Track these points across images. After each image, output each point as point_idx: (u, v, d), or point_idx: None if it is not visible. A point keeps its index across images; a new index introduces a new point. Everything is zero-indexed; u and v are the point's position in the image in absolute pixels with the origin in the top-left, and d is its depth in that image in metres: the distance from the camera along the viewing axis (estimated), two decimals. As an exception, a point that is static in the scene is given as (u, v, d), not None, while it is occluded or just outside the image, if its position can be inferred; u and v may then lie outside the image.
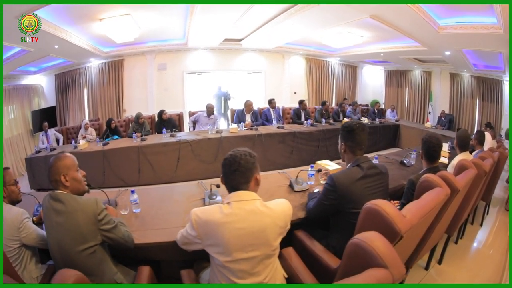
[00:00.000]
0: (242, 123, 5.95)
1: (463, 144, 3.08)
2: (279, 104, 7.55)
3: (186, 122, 7.03)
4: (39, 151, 5.27)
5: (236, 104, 8.04)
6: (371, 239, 1.08)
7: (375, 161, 3.22)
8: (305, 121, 6.32)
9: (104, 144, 5.06)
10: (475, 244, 3.42)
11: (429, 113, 9.48)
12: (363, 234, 1.13)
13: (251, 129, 5.75)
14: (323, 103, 7.01)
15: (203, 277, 1.65)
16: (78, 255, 1.42)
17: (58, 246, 1.44)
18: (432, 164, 2.37)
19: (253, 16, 5.75)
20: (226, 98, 8.64)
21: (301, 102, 6.73)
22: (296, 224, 2.05)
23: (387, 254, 1.02)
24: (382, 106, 10.20)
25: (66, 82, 7.76)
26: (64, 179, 1.53)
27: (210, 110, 6.18)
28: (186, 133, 5.78)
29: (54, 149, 5.32)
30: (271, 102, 6.63)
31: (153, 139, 5.30)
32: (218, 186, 2.36)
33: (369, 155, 4.16)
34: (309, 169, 2.85)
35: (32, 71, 7.04)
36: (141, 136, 5.47)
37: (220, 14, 5.52)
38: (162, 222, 2.11)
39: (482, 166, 2.65)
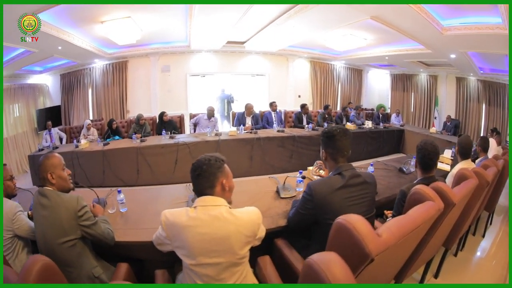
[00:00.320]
0: (242, 126, 5.85)
1: (465, 151, 2.88)
2: (284, 108, 7.50)
3: (187, 124, 6.96)
4: (42, 149, 5.29)
5: (240, 107, 7.92)
6: (327, 264, 0.97)
7: (370, 168, 3.15)
8: (307, 125, 6.19)
9: (104, 144, 5.06)
10: (475, 257, 3.20)
11: (435, 118, 9.21)
12: (320, 256, 1.02)
13: (251, 132, 5.65)
14: (326, 107, 6.85)
15: (178, 278, 1.63)
16: (59, 247, 1.52)
17: (43, 237, 1.54)
18: (427, 173, 2.19)
19: (253, 17, 5.64)
20: (229, 100, 8.56)
21: (303, 106, 6.59)
22: (277, 232, 2.00)
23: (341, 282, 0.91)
24: (388, 111, 9.98)
25: (71, 82, 7.83)
26: (50, 176, 1.64)
27: (210, 113, 6.12)
28: (185, 135, 5.73)
29: (57, 147, 5.34)
30: (272, 105, 6.51)
31: (153, 140, 5.28)
32: None
33: (369, 161, 4.11)
34: (298, 175, 2.72)
35: (38, 70, 7.12)
36: (141, 137, 5.44)
37: (219, 14, 5.42)
38: (145, 222, 2.11)
39: (485, 176, 2.46)
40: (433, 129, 7.36)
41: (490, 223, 3.82)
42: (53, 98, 7.81)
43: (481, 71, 7.55)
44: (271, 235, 1.91)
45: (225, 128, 8.15)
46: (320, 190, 1.64)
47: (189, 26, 6.10)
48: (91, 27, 5.41)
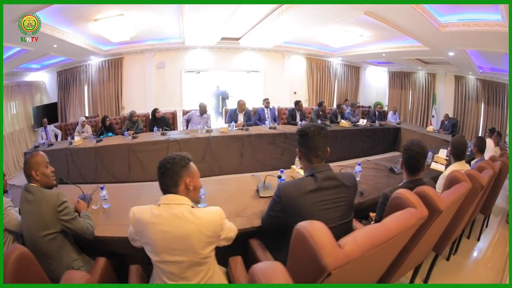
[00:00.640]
0: (233, 123, 5.71)
1: (459, 152, 2.65)
2: (279, 104, 7.32)
3: (180, 121, 6.84)
4: (38, 146, 5.27)
5: (234, 103, 7.68)
6: (268, 276, 0.89)
7: (357, 168, 2.92)
8: (299, 122, 6.00)
9: (97, 141, 5.02)
10: (469, 261, 3.02)
11: (433, 116, 8.97)
12: (264, 265, 0.96)
13: (242, 129, 5.53)
14: (320, 104, 6.62)
15: (153, 274, 1.56)
16: (41, 240, 1.58)
17: (28, 231, 1.61)
18: (413, 176, 1.97)
19: (244, 14, 5.57)
20: (224, 97, 8.46)
21: (297, 103, 6.39)
22: (252, 232, 1.94)
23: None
24: (385, 109, 9.75)
25: (67, 79, 7.76)
26: (35, 173, 1.71)
27: (202, 109, 5.98)
28: (176, 132, 5.67)
29: (52, 144, 5.29)
30: (264, 101, 6.33)
31: (144, 137, 5.22)
32: None
33: (362, 159, 3.90)
34: (279, 173, 2.62)
35: (35, 68, 7.09)
36: (134, 134, 5.37)
37: (209, 12, 5.35)
38: (125, 218, 1.99)
39: (479, 179, 2.25)
40: (430, 128, 7.14)
41: (486, 226, 3.64)
42: (50, 95, 7.72)
43: (481, 70, 7.33)
44: (246, 235, 1.87)
45: (220, 124, 7.88)
46: (289, 193, 1.53)
47: (182, 23, 6.05)
48: (85, 25, 5.37)
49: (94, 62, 7.80)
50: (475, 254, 3.17)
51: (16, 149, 6.33)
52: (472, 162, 3.30)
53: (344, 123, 6.31)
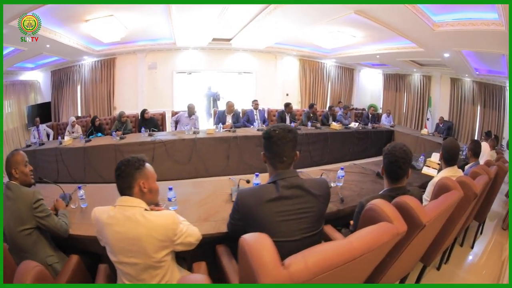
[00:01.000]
0: (220, 124, 5.50)
1: (450, 157, 2.35)
2: (271, 106, 7.05)
3: (169, 122, 6.61)
4: (29, 145, 5.19)
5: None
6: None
7: (340, 172, 2.75)
8: (289, 124, 5.68)
9: (86, 141, 4.93)
10: (461, 270, 2.75)
11: (428, 119, 8.65)
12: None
13: (229, 131, 5.31)
14: (311, 106, 6.35)
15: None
16: (18, 235, 1.63)
17: (7, 225, 1.64)
18: (395, 184, 1.70)
19: (233, 15, 5.44)
20: (215, 98, 8.26)
21: (287, 105, 6.11)
22: (221, 238, 1.84)
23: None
24: (380, 111, 9.48)
25: (61, 78, 7.65)
26: (14, 172, 1.78)
27: (191, 110, 5.79)
28: (164, 133, 5.50)
29: (43, 143, 5.22)
30: (253, 103, 6.09)
31: (132, 138, 5.11)
32: None
33: (349, 163, 3.63)
34: (254, 177, 2.49)
35: (29, 67, 7.04)
36: (122, 134, 5.27)
37: (198, 12, 5.22)
38: None
39: (472, 187, 1.98)
40: (424, 131, 6.85)
41: (481, 233, 3.36)
42: (44, 95, 7.63)
43: (477, 72, 7.05)
44: (213, 240, 1.79)
45: (211, 126, 7.70)
46: (246, 201, 1.36)
47: (171, 24, 5.91)
48: (76, 25, 5.32)
49: (87, 62, 7.68)
50: (468, 262, 2.92)
51: (9, 148, 6.21)
52: (466, 167, 3.04)
53: (335, 125, 6.02)
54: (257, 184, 2.33)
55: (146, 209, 1.34)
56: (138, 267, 1.30)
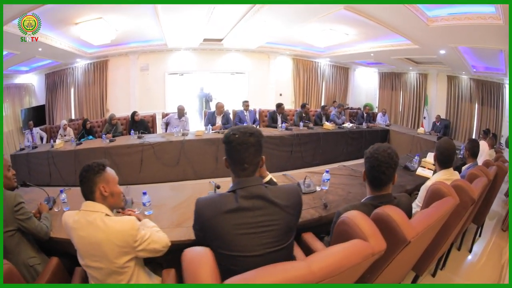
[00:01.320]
0: (210, 126, 5.29)
1: (445, 158, 2.09)
2: (265, 106, 6.80)
3: (159, 124, 6.42)
4: (23, 149, 5.18)
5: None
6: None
7: (325, 175, 2.53)
8: (280, 125, 5.52)
9: (77, 144, 4.86)
10: (458, 276, 2.52)
11: (424, 118, 8.40)
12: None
13: (218, 132, 5.09)
14: (303, 106, 6.09)
15: None
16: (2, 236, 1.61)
17: None
18: (378, 191, 1.47)
19: (221, 15, 5.32)
20: (208, 99, 8.07)
21: (278, 106, 5.84)
22: (192, 245, 1.54)
23: None
24: (376, 110, 9.22)
25: (55, 81, 7.56)
26: None
27: (180, 112, 5.59)
28: (153, 136, 5.32)
29: (36, 147, 5.17)
30: (244, 103, 5.83)
31: (121, 140, 4.99)
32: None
33: (337, 165, 3.39)
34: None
35: (24, 70, 7.03)
36: (112, 137, 5.17)
37: (185, 12, 5.09)
38: None
39: (469, 193, 1.73)
40: (421, 130, 6.57)
41: (479, 235, 3.13)
42: (39, 97, 7.57)
43: (474, 69, 6.83)
44: (185, 247, 1.51)
45: (203, 127, 7.54)
46: (204, 211, 1.19)
47: (160, 25, 5.75)
48: (67, 28, 5.25)
49: (80, 64, 7.56)
50: (465, 268, 2.70)
51: (5, 151, 6.12)
52: (463, 168, 2.77)
53: (328, 125, 5.76)
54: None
55: (107, 214, 1.34)
56: (103, 272, 1.29)
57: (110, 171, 1.42)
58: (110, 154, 4.62)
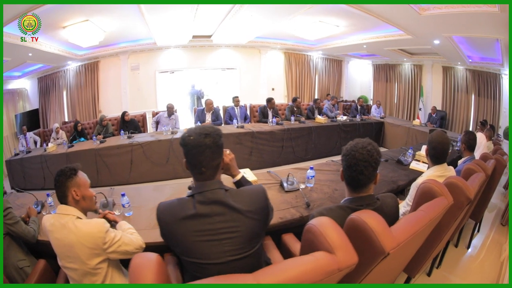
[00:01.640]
0: (198, 123, 5.12)
1: (437, 153, 1.87)
2: (257, 101, 6.59)
3: (150, 123, 6.31)
4: (18, 154, 5.19)
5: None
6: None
7: (309, 172, 2.37)
8: (271, 120, 5.31)
9: (69, 147, 4.84)
10: (455, 275, 2.34)
11: (420, 109, 8.14)
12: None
13: None
14: (294, 99, 5.86)
15: None
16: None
17: None
18: (357, 192, 1.27)
19: (205, 12, 5.11)
20: (199, 96, 7.87)
21: (269, 101, 5.61)
22: (165, 247, 1.59)
23: None
24: (370, 102, 8.96)
25: (47, 85, 7.37)
26: None
27: (170, 110, 5.48)
28: (143, 135, 5.21)
29: (30, 151, 5.16)
30: (234, 99, 5.62)
31: (111, 141, 4.92)
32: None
33: (323, 160, 3.20)
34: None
35: (16, 75, 6.86)
36: (103, 138, 5.11)
37: (171, 12, 4.91)
38: None
39: (464, 191, 1.55)
40: (416, 121, 6.35)
41: (478, 230, 2.98)
42: (32, 102, 7.36)
43: (470, 60, 6.59)
44: (161, 249, 1.51)
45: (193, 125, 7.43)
46: (162, 217, 1.12)
47: (146, 24, 5.57)
48: (55, 33, 5.17)
49: (72, 67, 7.36)
50: (463, 266, 2.52)
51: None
52: (459, 162, 2.58)
53: (320, 118, 5.54)
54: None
55: (78, 217, 1.37)
56: (78, 272, 1.33)
57: (82, 175, 1.44)
58: (100, 155, 4.56)
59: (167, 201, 1.16)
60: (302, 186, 2.29)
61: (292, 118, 5.41)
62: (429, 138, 1.92)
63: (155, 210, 1.89)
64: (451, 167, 1.95)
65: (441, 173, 1.82)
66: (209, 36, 7.08)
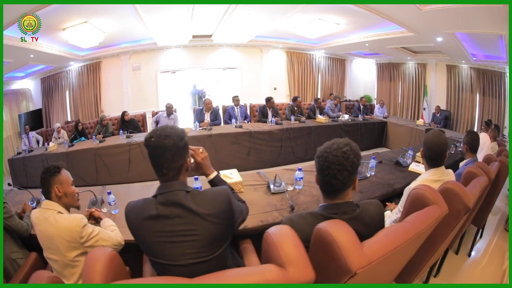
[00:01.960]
0: (197, 122, 5.03)
1: (433, 155, 1.71)
2: (258, 101, 6.47)
3: (150, 123, 6.31)
4: (20, 153, 5.28)
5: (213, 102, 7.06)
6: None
7: (297, 174, 2.25)
8: (270, 119, 5.19)
9: (69, 146, 4.90)
10: (453, 285, 2.18)
11: (424, 109, 7.86)
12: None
13: (205, 129, 4.85)
14: (294, 99, 5.72)
15: None
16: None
17: None
18: (331, 199, 1.13)
19: (202, 12, 5.03)
20: (201, 96, 7.76)
21: (268, 100, 5.49)
22: None
23: None
24: (374, 102, 8.73)
25: (50, 85, 7.40)
26: None
27: (169, 110, 5.43)
28: (142, 135, 5.31)
29: (32, 150, 5.23)
30: (234, 99, 5.52)
31: (110, 141, 4.96)
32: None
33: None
34: (194, 180, 2.18)
35: (20, 76, 6.89)
36: (102, 137, 5.14)
37: (167, 12, 4.84)
38: None
39: (462, 199, 1.38)
40: (420, 121, 6.14)
41: (480, 236, 2.78)
42: (35, 102, 7.39)
43: (474, 58, 6.33)
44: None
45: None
46: (129, 216, 1.11)
47: (144, 25, 5.51)
48: (56, 34, 5.16)
49: (74, 67, 7.36)
50: (462, 274, 2.34)
51: (4, 156, 6.15)
52: (461, 164, 2.38)
53: (320, 118, 5.39)
54: (197, 188, 1.89)
55: (59, 212, 1.43)
56: (59, 264, 1.39)
57: (65, 173, 1.51)
58: (99, 155, 4.58)
59: (135, 200, 1.13)
60: (290, 188, 2.17)
61: (292, 117, 5.28)
62: (425, 138, 1.76)
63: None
64: (450, 171, 1.78)
65: (438, 177, 1.66)
66: (210, 36, 6.98)
